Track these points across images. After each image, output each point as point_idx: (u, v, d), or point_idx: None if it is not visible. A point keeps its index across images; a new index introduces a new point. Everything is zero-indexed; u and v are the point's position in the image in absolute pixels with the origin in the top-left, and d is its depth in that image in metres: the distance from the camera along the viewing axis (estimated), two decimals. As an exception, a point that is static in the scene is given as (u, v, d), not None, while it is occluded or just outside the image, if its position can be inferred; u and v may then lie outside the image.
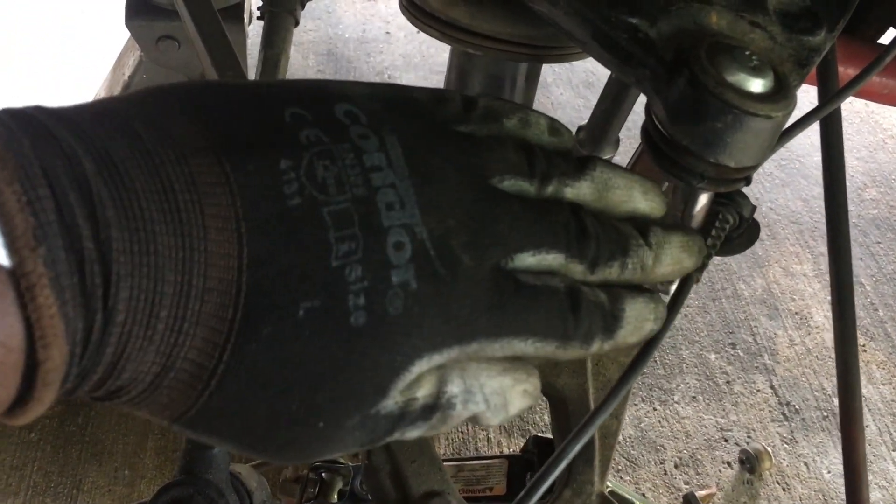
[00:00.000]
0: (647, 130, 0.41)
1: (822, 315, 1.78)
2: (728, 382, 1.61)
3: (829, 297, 1.81)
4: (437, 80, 2.31)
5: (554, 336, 0.36)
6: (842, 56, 0.52)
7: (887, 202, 2.10)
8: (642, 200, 0.40)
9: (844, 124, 0.54)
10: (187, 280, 0.29)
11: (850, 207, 1.74)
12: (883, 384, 1.65)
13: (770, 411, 1.57)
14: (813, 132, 0.53)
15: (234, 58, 0.92)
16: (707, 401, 1.57)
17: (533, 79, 0.65)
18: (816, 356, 1.69)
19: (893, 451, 1.52)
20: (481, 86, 0.63)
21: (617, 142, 0.65)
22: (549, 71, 2.36)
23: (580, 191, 0.38)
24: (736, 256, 1.54)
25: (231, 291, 0.30)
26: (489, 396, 0.36)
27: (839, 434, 1.57)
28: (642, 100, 0.62)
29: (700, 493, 1.35)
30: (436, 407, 0.35)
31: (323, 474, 0.92)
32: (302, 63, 2.28)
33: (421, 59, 2.38)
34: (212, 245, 0.30)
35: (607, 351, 0.38)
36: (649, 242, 0.38)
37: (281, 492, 0.94)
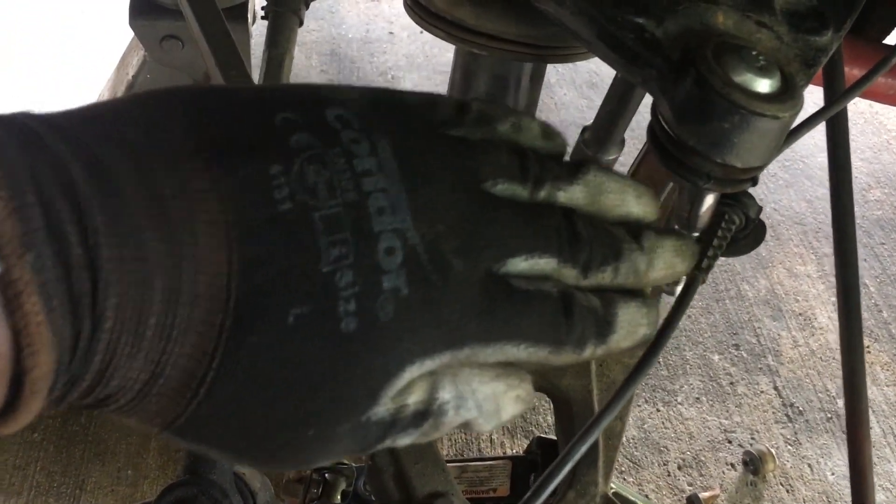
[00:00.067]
0: (654, 131, 0.41)
1: (826, 316, 1.77)
2: (732, 384, 1.61)
3: (833, 299, 1.81)
4: (440, 80, 2.31)
5: (546, 341, 0.35)
6: (847, 56, 0.52)
7: (891, 203, 2.10)
8: (635, 205, 0.40)
9: (849, 125, 0.54)
10: (177, 286, 0.29)
11: (855, 209, 1.74)
12: (887, 386, 1.65)
13: (774, 413, 1.57)
14: (817, 132, 0.53)
15: (238, 57, 0.92)
16: (711, 402, 1.56)
17: (538, 79, 0.65)
18: (820, 357, 1.68)
19: (897, 452, 1.52)
20: (486, 86, 0.63)
21: (622, 142, 0.65)
22: (552, 71, 2.36)
23: (573, 195, 0.38)
24: (740, 257, 1.54)
25: (221, 298, 0.30)
26: (481, 402, 0.36)
27: (843, 436, 1.56)
28: (647, 101, 0.62)
29: (703, 495, 1.35)
30: (427, 413, 0.34)
31: (326, 475, 0.92)
32: (305, 63, 2.28)
33: (424, 60, 2.38)
34: (202, 251, 0.30)
35: (600, 356, 0.37)
36: (642, 247, 0.38)
37: (284, 492, 0.94)
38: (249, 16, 1.27)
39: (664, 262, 0.39)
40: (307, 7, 0.84)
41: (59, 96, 2.00)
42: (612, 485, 0.79)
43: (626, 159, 0.77)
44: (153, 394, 0.31)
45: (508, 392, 0.36)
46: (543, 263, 0.36)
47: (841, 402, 1.59)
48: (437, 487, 0.70)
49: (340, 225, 0.31)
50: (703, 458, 1.47)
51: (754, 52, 0.38)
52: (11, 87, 2.00)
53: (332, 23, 2.49)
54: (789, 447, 1.51)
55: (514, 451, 1.44)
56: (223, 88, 0.35)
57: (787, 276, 1.86)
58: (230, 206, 0.30)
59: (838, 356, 1.68)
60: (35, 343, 0.26)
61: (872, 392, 1.63)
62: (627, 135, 0.76)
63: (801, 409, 1.58)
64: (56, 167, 0.28)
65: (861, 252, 1.92)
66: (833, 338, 1.73)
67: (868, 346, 1.73)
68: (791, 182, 2.13)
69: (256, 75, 1.12)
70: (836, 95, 0.49)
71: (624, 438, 1.38)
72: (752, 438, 1.52)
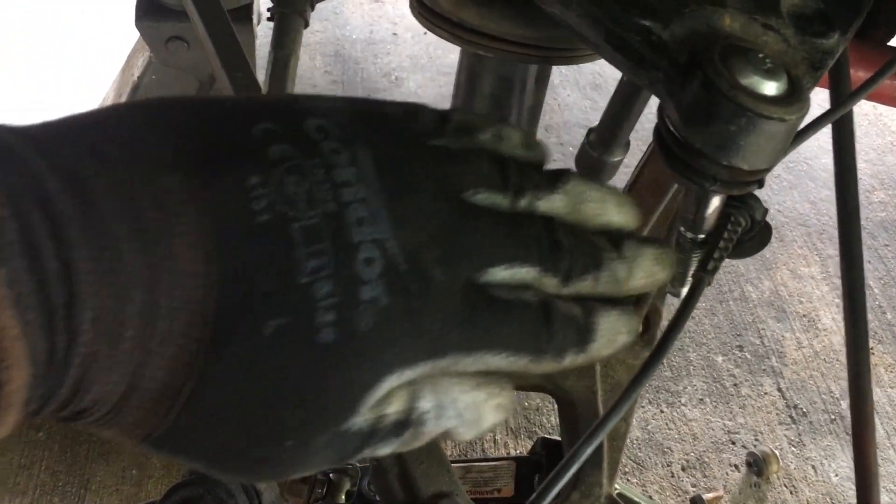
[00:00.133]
0: (660, 133, 0.41)
1: (830, 318, 1.77)
2: (735, 385, 1.61)
3: (836, 300, 1.81)
4: (444, 81, 2.31)
5: (527, 350, 0.35)
6: (852, 59, 0.52)
7: (895, 205, 2.09)
8: (616, 213, 0.40)
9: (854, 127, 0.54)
10: (154, 299, 0.29)
11: (859, 210, 1.74)
12: (891, 387, 1.65)
13: (777, 414, 1.57)
14: (821, 134, 0.53)
15: (244, 58, 0.92)
16: (714, 403, 1.56)
17: (543, 81, 0.65)
18: (824, 359, 1.68)
19: (901, 454, 1.52)
20: (491, 87, 0.63)
21: (627, 144, 0.65)
22: (556, 72, 2.36)
23: (554, 204, 0.38)
24: (743, 259, 1.54)
25: (199, 310, 0.30)
26: (462, 411, 0.36)
27: (847, 437, 1.56)
28: (652, 103, 0.62)
29: (707, 496, 1.35)
30: (407, 423, 0.34)
31: (331, 475, 0.92)
32: (309, 64, 2.28)
33: (428, 61, 2.38)
34: (179, 263, 0.29)
35: (581, 364, 0.38)
36: (623, 255, 0.38)
37: (288, 492, 0.94)
38: (254, 17, 1.27)
39: (644, 271, 0.39)
40: (312, 9, 0.84)
41: (59, 96, 2.00)
42: (616, 486, 0.79)
43: (630, 160, 0.77)
44: (131, 406, 0.30)
45: (489, 401, 0.36)
46: (524, 272, 0.35)
47: (845, 404, 1.59)
48: (442, 488, 0.70)
49: (319, 236, 0.31)
50: (706, 460, 1.47)
51: (761, 55, 0.38)
52: (11, 87, 2.01)
53: (336, 24, 2.49)
54: (793, 449, 1.51)
55: (518, 451, 1.44)
56: (202, 100, 0.35)
57: (791, 278, 1.86)
58: (208, 217, 0.30)
59: (842, 358, 1.68)
60: (9, 357, 0.26)
61: (876, 394, 1.63)
62: (632, 136, 0.76)
63: (804, 410, 1.58)
64: (32, 180, 0.28)
65: (865, 254, 1.91)
66: (837, 339, 1.73)
67: (872, 348, 1.73)
68: (795, 184, 2.13)
69: (262, 76, 1.12)
70: (842, 98, 0.49)
71: (628, 439, 1.38)
72: (756, 440, 1.52)
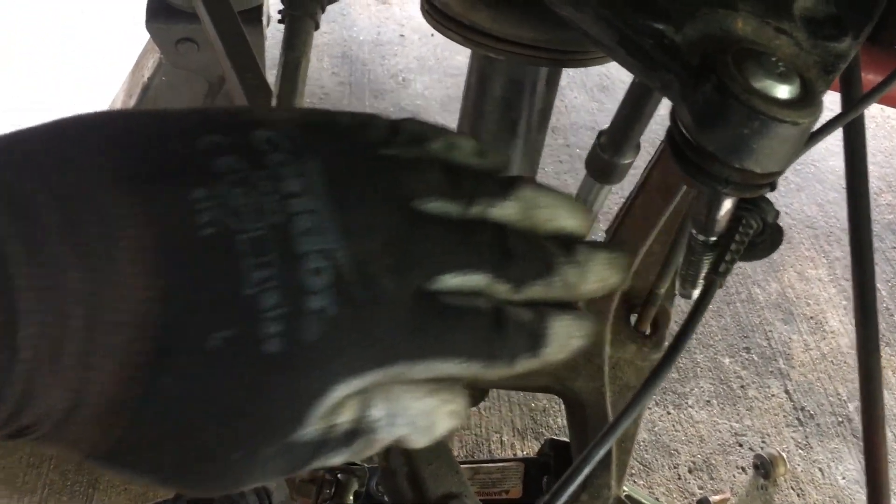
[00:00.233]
0: (672, 136, 0.41)
1: (837, 320, 1.77)
2: (742, 387, 1.60)
3: (844, 302, 1.81)
4: (451, 83, 2.31)
5: (479, 356, 0.35)
6: (863, 62, 0.52)
7: (903, 207, 2.09)
8: (568, 219, 0.40)
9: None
10: (96, 315, 0.29)
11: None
12: (899, 390, 1.64)
13: (785, 416, 1.56)
14: (829, 136, 0.53)
15: (254, 60, 0.93)
16: (721, 405, 1.56)
17: (553, 83, 0.65)
18: (831, 361, 1.68)
19: (909, 457, 1.51)
20: (501, 90, 0.63)
21: (637, 147, 0.65)
22: (563, 74, 2.36)
23: (506, 211, 0.38)
24: (752, 261, 1.55)
25: (142, 324, 0.29)
26: (414, 419, 0.36)
27: (854, 440, 1.56)
28: (661, 105, 0.62)
29: (714, 499, 1.35)
30: (358, 432, 0.34)
31: (339, 475, 0.93)
32: (317, 65, 2.29)
33: (435, 62, 2.39)
34: (122, 278, 0.29)
35: (535, 368, 0.38)
36: (575, 260, 0.38)
37: (297, 492, 0.94)
38: (264, 19, 1.28)
39: (596, 275, 0.39)
40: (323, 11, 0.85)
41: (59, 96, 2.01)
42: (625, 487, 0.79)
43: (639, 162, 0.77)
44: (75, 422, 0.30)
45: (442, 407, 0.36)
46: (475, 279, 0.36)
47: (852, 406, 1.59)
48: (451, 489, 0.70)
49: (265, 247, 0.31)
50: (713, 462, 1.47)
51: (774, 59, 0.38)
52: (11, 87, 2.01)
53: (343, 25, 2.50)
54: (800, 451, 1.51)
55: (525, 452, 1.44)
56: (148, 113, 0.34)
57: (799, 280, 1.85)
58: (151, 231, 0.30)
59: (849, 360, 1.68)
60: None
61: (885, 397, 1.62)
62: (641, 139, 0.76)
63: (812, 412, 1.58)
64: None
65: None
66: (844, 341, 1.72)
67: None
68: (802, 186, 2.13)
69: (272, 78, 1.13)
70: (854, 101, 0.49)
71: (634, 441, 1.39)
72: (763, 442, 1.52)
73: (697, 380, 1.60)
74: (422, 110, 2.19)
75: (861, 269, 0.50)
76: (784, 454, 1.45)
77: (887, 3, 0.45)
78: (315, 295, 0.32)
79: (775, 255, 1.92)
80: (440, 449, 0.72)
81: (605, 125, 0.65)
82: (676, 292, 0.48)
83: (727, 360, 1.65)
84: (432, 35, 2.47)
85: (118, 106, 1.42)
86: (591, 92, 2.35)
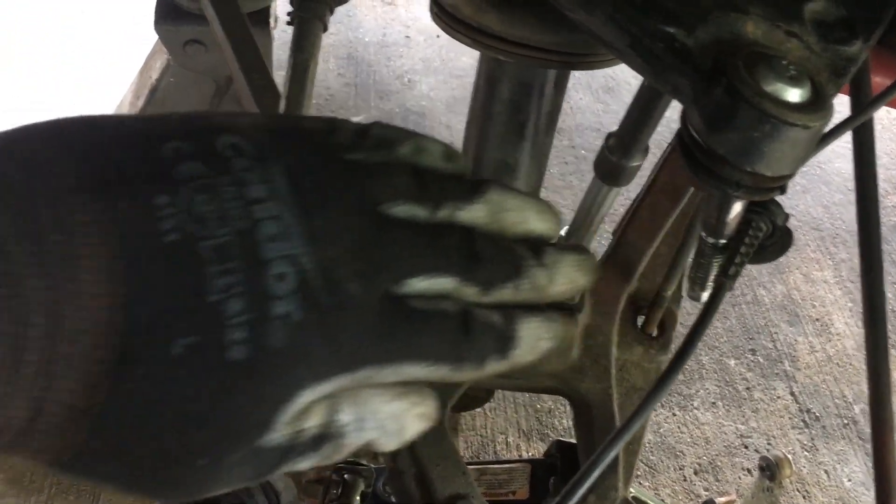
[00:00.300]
0: (683, 138, 0.41)
1: (843, 322, 1.77)
2: (748, 389, 1.60)
3: (850, 304, 1.80)
4: (456, 84, 2.31)
5: (446, 359, 0.35)
6: (872, 65, 0.52)
7: (909, 209, 2.09)
8: (537, 221, 0.40)
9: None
10: (57, 323, 0.29)
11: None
12: (905, 392, 1.64)
13: (790, 418, 1.56)
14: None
15: (262, 61, 0.93)
16: (727, 407, 1.56)
17: (561, 86, 0.65)
18: (837, 363, 1.68)
19: (915, 459, 1.51)
20: (510, 92, 0.63)
21: (646, 149, 0.65)
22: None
23: (474, 214, 0.38)
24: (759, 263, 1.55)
25: (104, 332, 0.29)
26: (383, 422, 0.36)
27: (860, 442, 1.55)
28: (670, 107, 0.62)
29: (720, 500, 1.35)
30: (326, 436, 0.34)
31: (346, 476, 0.93)
32: (322, 66, 2.29)
33: (441, 63, 2.39)
34: (83, 286, 0.29)
35: (505, 371, 0.38)
36: (543, 263, 0.38)
37: (303, 492, 0.95)
38: (271, 20, 1.28)
39: (565, 277, 0.39)
40: (332, 13, 0.85)
41: (59, 96, 2.01)
42: (631, 489, 0.79)
43: (646, 163, 0.77)
44: (37, 430, 0.30)
45: (411, 410, 0.36)
46: (443, 283, 0.35)
47: (858, 409, 1.59)
48: (459, 490, 0.71)
49: (229, 254, 0.31)
50: (719, 464, 1.47)
51: (785, 62, 0.38)
52: (11, 87, 2.01)
53: (349, 26, 2.50)
54: (806, 453, 1.51)
55: (530, 454, 1.44)
56: (111, 119, 0.34)
57: (804, 282, 1.85)
58: (113, 238, 0.30)
59: (855, 362, 1.68)
60: None
61: (893, 399, 1.62)
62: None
63: (817, 414, 1.57)
64: None
65: (879, 258, 1.91)
66: (850, 343, 1.72)
67: (885, 353, 1.72)
68: (808, 187, 2.13)
69: (280, 80, 1.13)
70: (863, 104, 0.49)
71: (640, 443, 1.39)
72: (769, 444, 1.51)
73: (703, 381, 1.60)
74: (427, 111, 2.19)
75: (870, 271, 0.50)
76: (790, 456, 1.45)
77: (897, 6, 0.45)
78: (280, 300, 0.32)
79: (781, 258, 1.93)
80: (448, 450, 0.72)
81: (611, 127, 0.65)
82: (685, 295, 0.49)
83: (733, 362, 1.65)
84: (438, 36, 2.47)
85: (126, 107, 1.43)
86: (597, 94, 2.35)
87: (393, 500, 0.92)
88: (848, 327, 1.76)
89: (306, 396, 0.33)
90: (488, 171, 0.67)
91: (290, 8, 0.94)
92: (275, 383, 0.32)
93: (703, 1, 0.40)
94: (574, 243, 0.42)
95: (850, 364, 1.68)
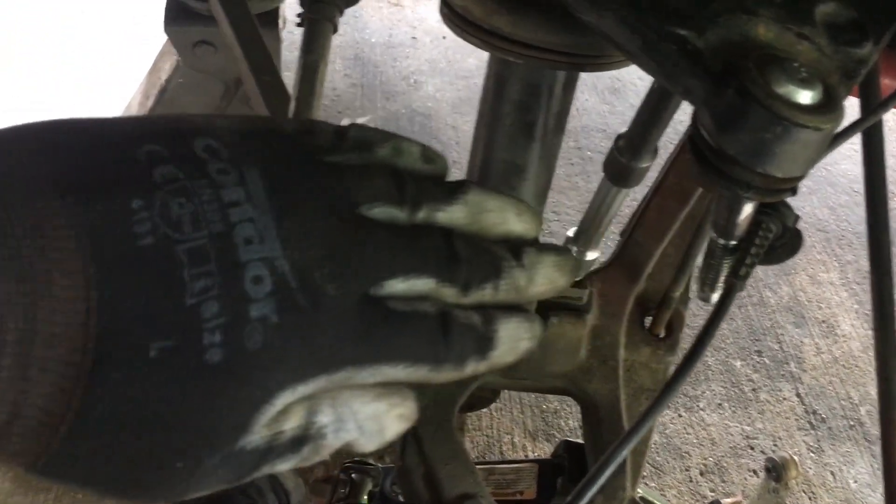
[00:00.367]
0: (694, 140, 0.41)
1: (849, 324, 1.76)
2: (754, 390, 1.60)
3: (856, 306, 1.80)
4: (462, 85, 2.31)
5: (425, 360, 0.35)
6: (881, 67, 0.52)
7: (916, 211, 2.09)
8: (516, 222, 0.40)
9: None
10: (31, 327, 0.29)
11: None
12: (911, 394, 1.64)
13: (796, 420, 1.56)
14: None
15: (271, 62, 0.93)
16: (733, 408, 1.56)
17: (570, 87, 0.65)
18: (843, 365, 1.68)
19: (921, 461, 1.51)
20: (519, 93, 0.64)
21: (655, 151, 0.65)
22: (574, 76, 2.36)
23: (453, 215, 0.38)
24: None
25: (80, 336, 0.29)
26: (363, 423, 0.36)
27: (866, 443, 1.55)
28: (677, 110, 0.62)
29: (725, 501, 1.35)
30: (306, 438, 0.34)
31: (353, 475, 0.93)
32: (329, 67, 2.29)
33: (447, 65, 2.39)
34: (57, 290, 0.29)
35: (485, 371, 0.38)
36: (522, 263, 0.38)
37: (311, 492, 0.95)
38: (280, 21, 1.29)
39: (544, 278, 0.39)
40: (341, 14, 0.85)
41: (59, 96, 2.01)
42: (639, 489, 0.79)
43: (654, 165, 0.77)
44: (13, 435, 0.30)
45: (391, 411, 0.36)
46: (422, 284, 0.36)
47: (864, 410, 1.59)
48: (467, 489, 0.71)
49: (205, 257, 0.31)
50: (725, 465, 1.47)
51: (796, 64, 0.38)
52: (11, 87, 2.01)
53: (355, 27, 2.51)
54: (812, 454, 1.51)
55: (536, 454, 1.44)
56: (86, 122, 0.34)
57: (810, 283, 1.85)
58: (87, 242, 0.30)
59: (861, 364, 1.68)
60: None
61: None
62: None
63: (823, 416, 1.57)
64: None
65: (885, 260, 1.91)
66: (856, 345, 1.72)
67: (892, 355, 1.72)
68: (814, 189, 2.13)
69: (290, 81, 1.14)
70: (873, 106, 0.49)
71: (646, 444, 1.39)
72: (775, 445, 1.51)
73: (709, 383, 1.60)
74: (433, 112, 2.19)
75: (879, 272, 0.50)
76: (796, 457, 1.45)
77: (908, 9, 0.45)
78: (257, 303, 0.32)
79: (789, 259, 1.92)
80: (456, 449, 0.72)
81: (617, 128, 0.66)
82: (696, 296, 0.49)
83: (739, 364, 1.65)
84: (444, 38, 2.47)
85: (135, 107, 1.43)
86: (603, 95, 2.35)
87: (401, 499, 0.92)
88: (854, 329, 1.75)
89: (284, 398, 0.33)
90: (497, 172, 0.67)
91: (297, 9, 0.95)
92: (252, 386, 0.32)
93: (714, 3, 0.40)
94: (553, 243, 0.42)
95: (857, 366, 1.68)
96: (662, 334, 0.88)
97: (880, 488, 1.45)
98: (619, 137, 0.65)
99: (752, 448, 1.50)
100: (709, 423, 1.53)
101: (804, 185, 2.16)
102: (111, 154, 0.32)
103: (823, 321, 1.77)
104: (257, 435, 0.33)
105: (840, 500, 1.44)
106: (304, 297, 0.33)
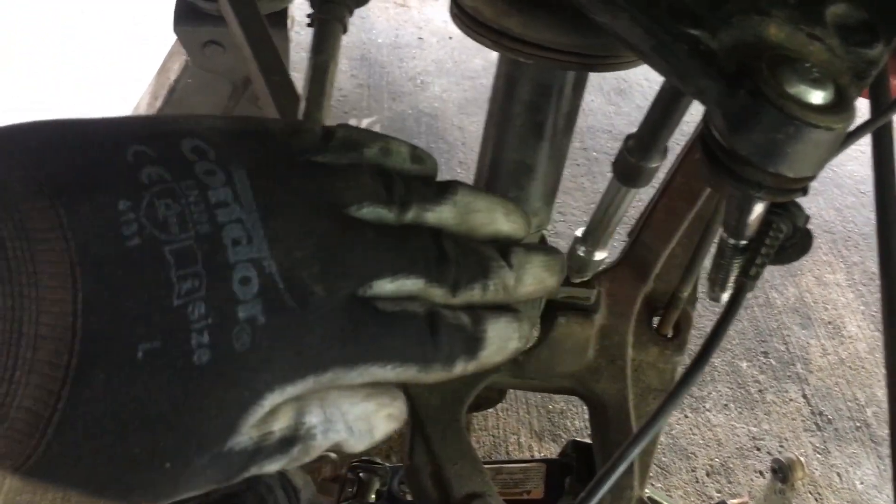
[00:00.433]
0: (705, 140, 0.41)
1: (855, 325, 1.76)
2: (760, 391, 1.60)
3: (862, 307, 1.80)
4: (469, 86, 2.32)
5: (414, 360, 0.36)
6: (891, 68, 0.52)
7: (922, 212, 2.08)
8: (505, 222, 0.40)
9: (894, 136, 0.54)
10: (17, 329, 0.29)
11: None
12: (917, 396, 1.64)
13: (803, 421, 1.56)
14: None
15: (280, 62, 0.94)
16: (739, 409, 1.56)
17: (580, 87, 0.65)
18: (850, 366, 1.68)
19: (928, 463, 1.51)
20: (529, 93, 0.64)
21: (665, 151, 0.66)
22: (580, 77, 2.36)
23: (441, 215, 0.38)
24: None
25: (66, 338, 0.29)
26: (352, 423, 0.36)
27: (872, 445, 1.55)
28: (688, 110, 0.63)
29: (732, 502, 1.35)
30: (295, 439, 0.34)
31: (361, 474, 0.94)
32: (335, 67, 2.30)
33: (453, 65, 2.39)
34: (43, 291, 0.29)
35: (474, 371, 0.38)
36: (510, 263, 0.38)
37: (319, 491, 0.95)
38: (288, 21, 1.29)
39: (533, 278, 0.39)
40: (351, 14, 0.86)
41: (59, 96, 2.01)
42: (646, 489, 0.79)
43: (664, 166, 0.77)
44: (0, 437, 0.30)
45: (380, 411, 0.37)
46: (410, 284, 0.36)
47: (870, 411, 1.59)
48: (475, 488, 0.71)
49: (193, 258, 0.31)
50: (731, 465, 1.47)
51: (808, 65, 0.38)
52: (11, 87, 2.01)
53: (362, 28, 2.51)
54: (818, 455, 1.51)
55: (542, 454, 1.44)
56: (74, 123, 0.34)
57: (816, 285, 1.85)
58: (73, 244, 0.30)
59: (867, 365, 1.68)
60: None
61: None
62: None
63: (830, 417, 1.57)
64: None
65: (891, 261, 1.91)
66: (862, 346, 1.72)
67: None
68: (820, 190, 2.12)
69: (299, 81, 1.14)
70: (883, 107, 0.49)
71: (652, 444, 1.39)
72: (781, 446, 1.51)
73: (715, 383, 1.60)
74: (439, 113, 2.20)
75: (889, 273, 0.50)
76: (802, 458, 1.45)
77: (918, 10, 0.45)
78: (244, 304, 0.32)
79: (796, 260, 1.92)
80: (465, 449, 0.73)
81: (623, 129, 0.66)
82: (707, 295, 0.49)
83: (745, 365, 1.65)
84: (450, 38, 2.47)
85: (144, 108, 1.44)
86: (608, 95, 2.35)
87: (409, 498, 0.92)
88: (860, 330, 1.75)
89: (273, 399, 0.33)
90: (507, 172, 0.67)
91: (305, 9, 0.95)
92: (240, 386, 0.32)
93: (727, 4, 0.41)
94: (542, 244, 0.43)
95: (863, 367, 1.68)
96: (670, 334, 0.88)
97: (886, 489, 1.45)
98: (629, 137, 0.66)
99: (758, 449, 1.50)
100: (715, 423, 1.53)
101: (811, 186, 2.16)
102: (98, 155, 0.32)
103: (830, 322, 1.77)
104: (246, 436, 0.33)
105: (846, 502, 1.44)
106: (292, 297, 0.33)
